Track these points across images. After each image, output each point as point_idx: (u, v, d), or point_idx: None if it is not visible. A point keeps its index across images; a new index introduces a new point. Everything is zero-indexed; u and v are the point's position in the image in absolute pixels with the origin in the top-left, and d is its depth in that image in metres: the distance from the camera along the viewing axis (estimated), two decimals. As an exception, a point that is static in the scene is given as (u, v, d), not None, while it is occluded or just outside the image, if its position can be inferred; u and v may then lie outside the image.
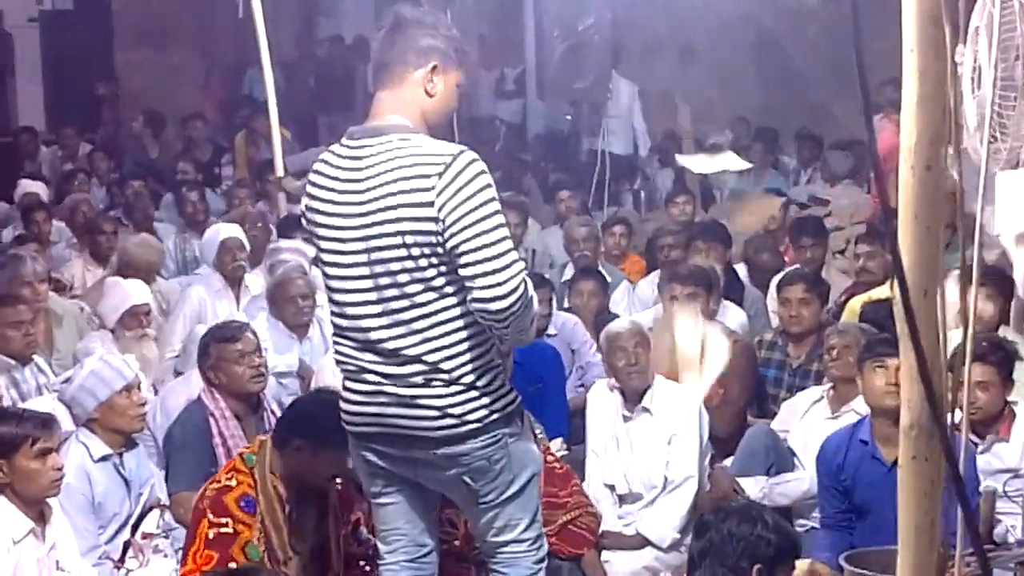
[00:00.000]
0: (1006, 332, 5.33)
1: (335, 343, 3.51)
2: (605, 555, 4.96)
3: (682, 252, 6.86)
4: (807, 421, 5.18)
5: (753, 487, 5.02)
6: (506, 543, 3.51)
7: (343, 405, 3.48)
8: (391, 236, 3.24)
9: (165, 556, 4.38)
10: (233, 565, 3.84)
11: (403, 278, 3.26)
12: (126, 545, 4.39)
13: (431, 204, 3.18)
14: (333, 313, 3.46)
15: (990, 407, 4.52)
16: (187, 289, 6.76)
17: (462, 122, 9.41)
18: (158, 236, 8.07)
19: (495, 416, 3.35)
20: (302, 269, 6.19)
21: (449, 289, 3.26)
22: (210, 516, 3.91)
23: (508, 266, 3.20)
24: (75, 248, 7.76)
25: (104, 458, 4.38)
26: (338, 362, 3.50)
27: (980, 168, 3.43)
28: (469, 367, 3.32)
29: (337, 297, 3.40)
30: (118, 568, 4.32)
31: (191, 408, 4.85)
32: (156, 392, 5.50)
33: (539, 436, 4.92)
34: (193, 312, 6.37)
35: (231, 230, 6.90)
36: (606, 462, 5.19)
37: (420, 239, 3.22)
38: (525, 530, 3.50)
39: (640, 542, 5.00)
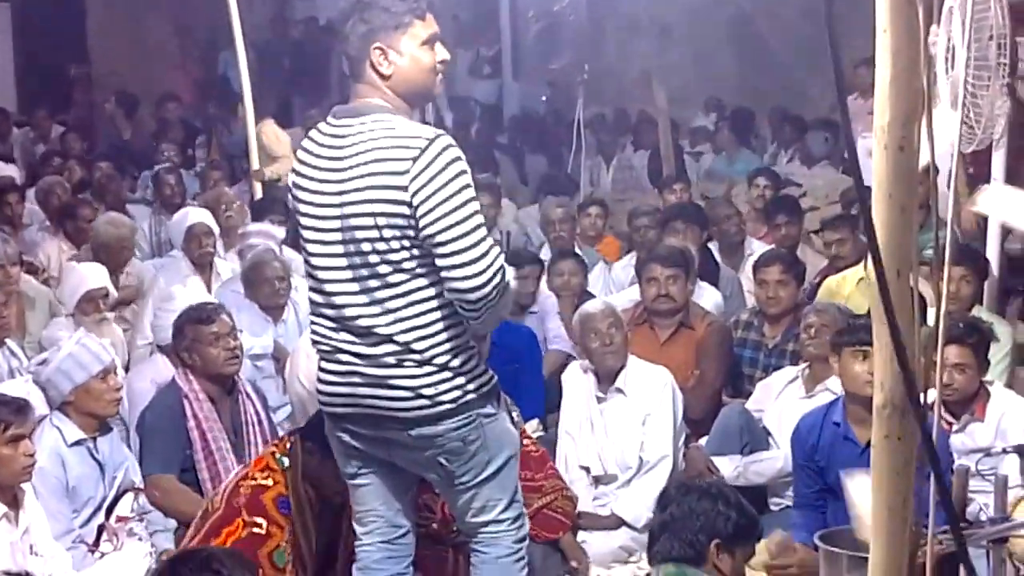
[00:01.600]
0: (980, 311, 5.37)
1: (312, 322, 3.51)
2: (581, 535, 4.97)
3: (658, 233, 6.87)
4: (782, 400, 5.20)
5: (728, 466, 5.04)
6: (485, 523, 3.50)
7: (319, 386, 3.47)
8: (365, 216, 3.25)
9: (139, 539, 4.37)
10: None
11: (374, 259, 3.26)
12: (100, 529, 4.37)
13: (404, 188, 3.18)
14: (311, 289, 3.46)
15: (966, 388, 4.54)
16: (156, 274, 6.71)
17: (435, 102, 9.42)
18: (132, 218, 8.03)
19: (469, 397, 3.34)
20: (272, 252, 6.17)
21: (421, 271, 3.26)
22: (244, 515, 3.85)
23: (485, 254, 3.20)
24: (48, 231, 7.69)
25: (78, 442, 4.35)
26: (314, 342, 3.50)
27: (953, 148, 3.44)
28: (443, 347, 3.30)
29: (315, 274, 3.41)
30: (92, 552, 4.30)
31: (165, 391, 4.82)
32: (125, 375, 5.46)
33: (516, 419, 4.92)
34: (161, 298, 6.32)
35: (199, 215, 6.82)
36: (581, 444, 5.20)
37: (392, 221, 3.22)
38: (504, 510, 3.49)
39: (615, 522, 5.02)
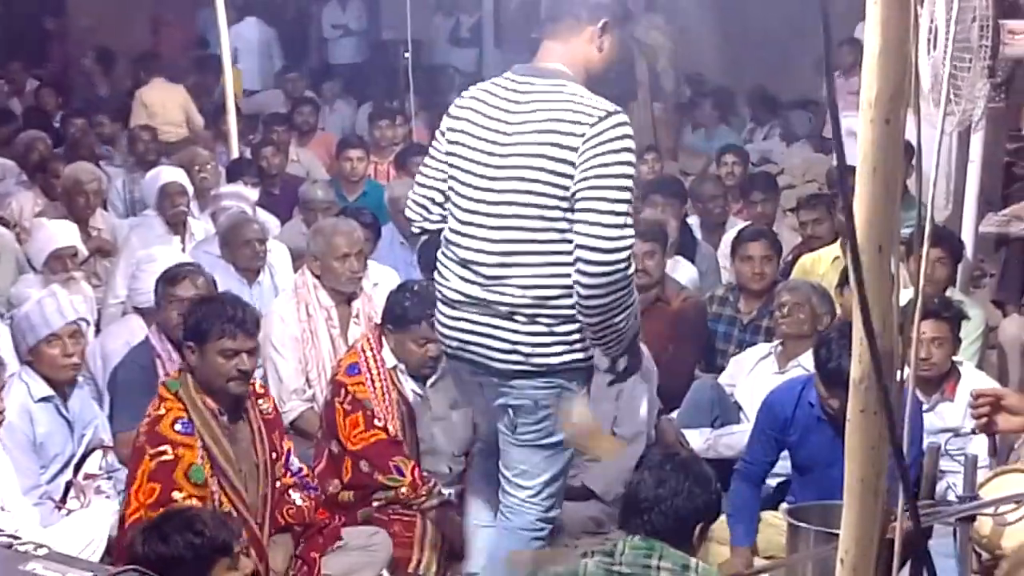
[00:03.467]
0: (952, 293, 5.39)
1: (440, 264, 3.68)
2: (551, 505, 4.99)
3: (640, 205, 6.87)
4: (754, 376, 5.21)
5: (698, 439, 5.05)
6: (522, 488, 3.64)
7: (438, 326, 3.72)
8: (531, 170, 3.42)
9: (107, 497, 4.35)
10: (177, 493, 3.80)
11: (530, 211, 3.44)
12: (68, 485, 4.35)
13: (575, 150, 3.36)
14: (449, 229, 3.63)
15: (943, 363, 4.57)
16: (129, 234, 6.66)
17: (415, 70, 9.36)
18: (107, 175, 7.97)
19: (560, 367, 3.51)
20: (245, 215, 6.13)
21: (563, 235, 3.42)
22: (148, 449, 3.86)
23: (620, 227, 3.35)
24: (24, 185, 7.60)
25: (46, 399, 4.31)
26: (437, 284, 3.71)
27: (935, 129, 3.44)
28: (555, 312, 3.46)
29: (459, 217, 3.59)
30: (59, 508, 4.28)
31: (137, 349, 4.80)
32: (96, 335, 5.42)
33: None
34: (135, 257, 6.27)
35: (172, 174, 6.74)
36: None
37: (556, 179, 3.39)
38: (544, 486, 3.64)
39: (585, 493, 5.02)
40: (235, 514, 3.86)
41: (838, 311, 5.15)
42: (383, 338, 4.73)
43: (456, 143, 3.60)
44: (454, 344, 3.65)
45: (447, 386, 4.81)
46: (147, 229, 6.54)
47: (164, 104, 9.72)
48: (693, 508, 3.21)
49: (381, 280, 5.64)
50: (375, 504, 4.56)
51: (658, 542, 3.14)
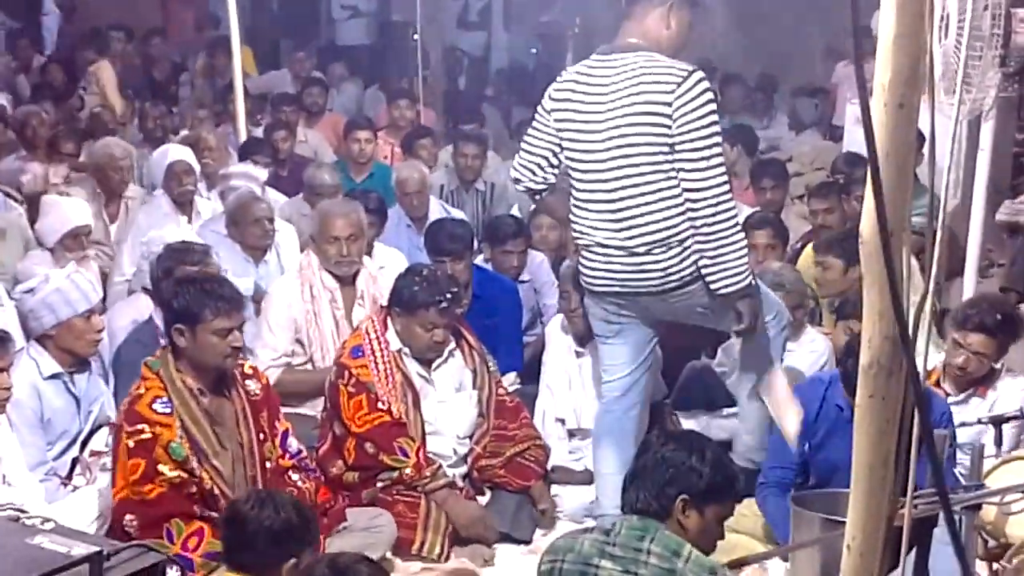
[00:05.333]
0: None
1: (573, 220, 4.33)
2: (555, 489, 5.00)
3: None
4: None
5: (692, 422, 5.06)
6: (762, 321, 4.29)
7: (582, 270, 4.36)
8: (636, 127, 4.09)
9: (113, 474, 4.35)
10: (162, 466, 3.82)
11: (641, 160, 4.11)
12: (74, 462, 4.35)
13: (669, 104, 4.04)
14: (576, 189, 4.30)
15: (979, 371, 4.51)
16: (136, 212, 6.66)
17: (424, 52, 9.34)
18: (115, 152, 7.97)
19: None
20: (254, 194, 6.12)
21: (673, 174, 4.08)
22: (127, 428, 3.88)
23: (715, 166, 4.05)
24: (23, 160, 7.55)
25: (55, 376, 4.32)
26: (575, 236, 4.40)
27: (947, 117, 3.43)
28: (681, 235, 4.10)
29: (582, 178, 4.26)
30: (65, 484, 4.29)
31: (142, 327, 4.80)
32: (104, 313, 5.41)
33: (492, 369, 4.93)
34: (142, 235, 6.25)
35: (179, 152, 6.72)
36: (558, 397, 5.21)
37: (657, 130, 4.06)
38: (769, 320, 4.34)
39: (589, 477, 5.03)
40: (217, 493, 3.89)
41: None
42: (388, 320, 4.73)
43: (564, 119, 4.27)
44: (604, 281, 4.29)
45: (452, 368, 4.81)
46: (154, 207, 6.54)
47: (111, 81, 9.79)
48: (670, 478, 3.02)
49: (387, 262, 5.63)
50: (379, 485, 4.56)
51: (653, 523, 3.00)
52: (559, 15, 11.13)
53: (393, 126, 8.79)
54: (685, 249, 4.13)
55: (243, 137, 7.94)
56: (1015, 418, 4.13)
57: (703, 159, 4.04)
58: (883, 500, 2.07)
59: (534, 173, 4.43)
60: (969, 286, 5.51)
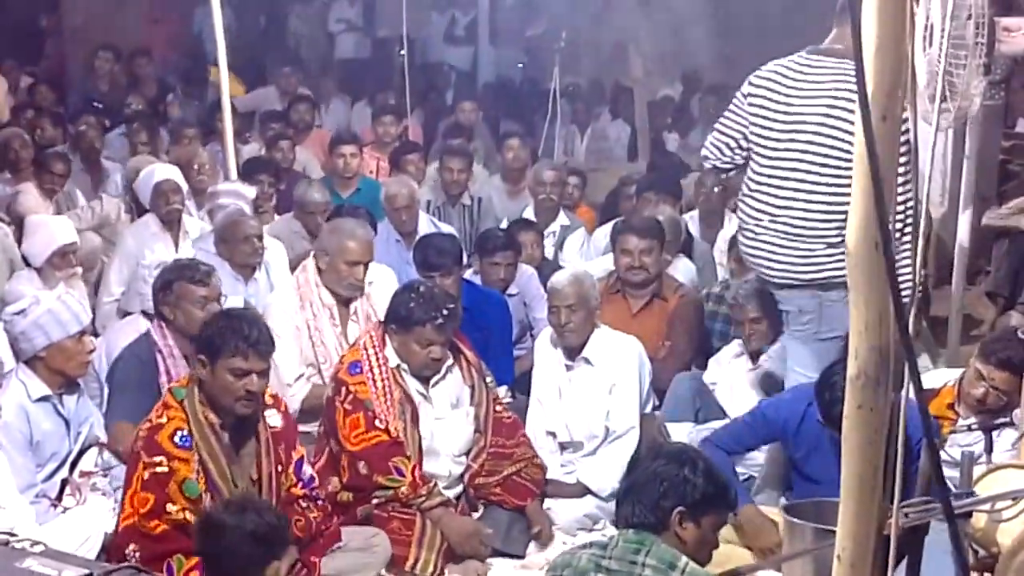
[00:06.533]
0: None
1: (743, 217, 4.66)
2: (547, 503, 4.99)
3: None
4: (730, 373, 5.34)
5: (681, 433, 5.06)
6: (797, 373, 4.61)
7: (749, 260, 4.74)
8: (824, 136, 4.36)
9: (103, 494, 4.33)
10: (171, 506, 3.80)
11: (815, 160, 4.38)
12: (64, 483, 4.34)
13: None
14: (751, 189, 4.62)
15: (995, 407, 4.44)
16: (124, 232, 6.64)
17: (410, 68, 9.35)
18: (105, 171, 7.94)
19: (820, 280, 4.51)
20: (242, 212, 6.11)
21: (840, 180, 4.21)
22: (144, 457, 3.85)
23: (900, 184, 4.29)
24: (8, 183, 7.51)
25: (43, 398, 4.30)
26: (742, 229, 4.70)
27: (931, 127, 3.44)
28: (822, 236, 4.40)
29: (760, 179, 4.57)
30: (55, 506, 4.27)
31: (137, 342, 4.79)
32: (96, 334, 5.40)
33: (490, 385, 4.92)
34: (130, 255, 6.25)
35: (166, 172, 6.68)
36: (548, 410, 5.20)
37: (843, 140, 4.27)
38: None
39: (581, 491, 5.03)
40: None
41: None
42: (386, 337, 4.71)
43: (758, 106, 4.56)
44: (752, 260, 4.69)
45: (450, 385, 4.80)
46: (142, 227, 6.52)
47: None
48: (664, 491, 3.03)
49: (377, 279, 5.62)
50: (374, 502, 4.55)
51: (649, 536, 3.01)
52: (545, 30, 11.14)
53: (380, 142, 8.79)
54: (812, 253, 4.44)
55: (231, 155, 7.92)
56: (1004, 425, 4.13)
57: None
58: (872, 510, 2.07)
59: (722, 152, 4.72)
60: (957, 292, 5.54)
